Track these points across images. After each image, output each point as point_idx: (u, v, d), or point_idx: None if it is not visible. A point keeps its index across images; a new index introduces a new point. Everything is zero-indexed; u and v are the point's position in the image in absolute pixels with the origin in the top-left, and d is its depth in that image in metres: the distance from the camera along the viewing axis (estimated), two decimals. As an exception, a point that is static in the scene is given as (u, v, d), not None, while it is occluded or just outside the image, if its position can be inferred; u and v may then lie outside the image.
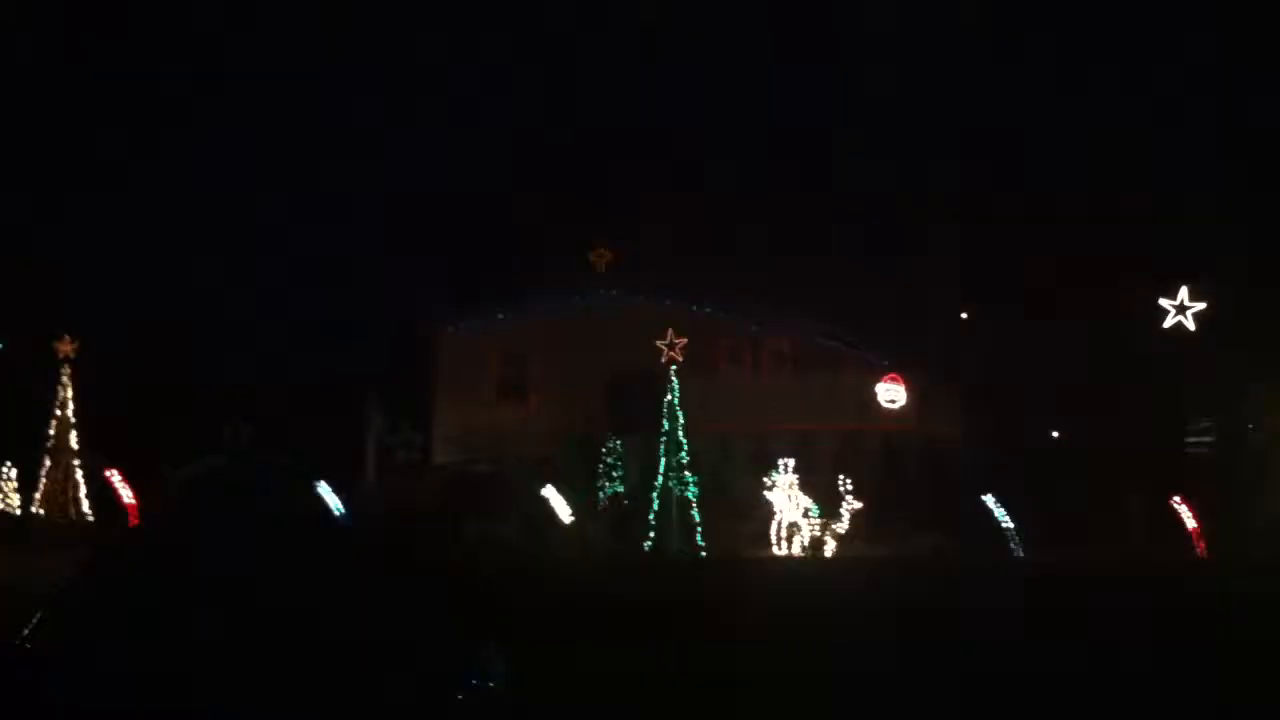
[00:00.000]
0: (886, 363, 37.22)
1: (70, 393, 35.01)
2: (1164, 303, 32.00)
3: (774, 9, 47.64)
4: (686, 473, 31.39)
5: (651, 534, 30.94)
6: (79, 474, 34.73)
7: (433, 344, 40.97)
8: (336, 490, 32.61)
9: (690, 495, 31.21)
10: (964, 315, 42.11)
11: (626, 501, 31.52)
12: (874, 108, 49.47)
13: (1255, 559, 28.53)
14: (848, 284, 40.78)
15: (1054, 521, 32.38)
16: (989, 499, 32.16)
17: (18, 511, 33.71)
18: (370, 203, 47.75)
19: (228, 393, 38.91)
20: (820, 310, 39.62)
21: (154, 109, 48.68)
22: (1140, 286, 33.22)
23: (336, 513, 31.03)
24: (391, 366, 41.04)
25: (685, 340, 32.54)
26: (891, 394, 35.57)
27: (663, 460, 31.38)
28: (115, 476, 33.26)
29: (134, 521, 31.25)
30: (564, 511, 30.89)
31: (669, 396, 32.05)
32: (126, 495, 32.80)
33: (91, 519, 34.14)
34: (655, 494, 31.38)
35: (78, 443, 34.73)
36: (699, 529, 30.84)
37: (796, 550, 30.72)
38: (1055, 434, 41.92)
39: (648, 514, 31.23)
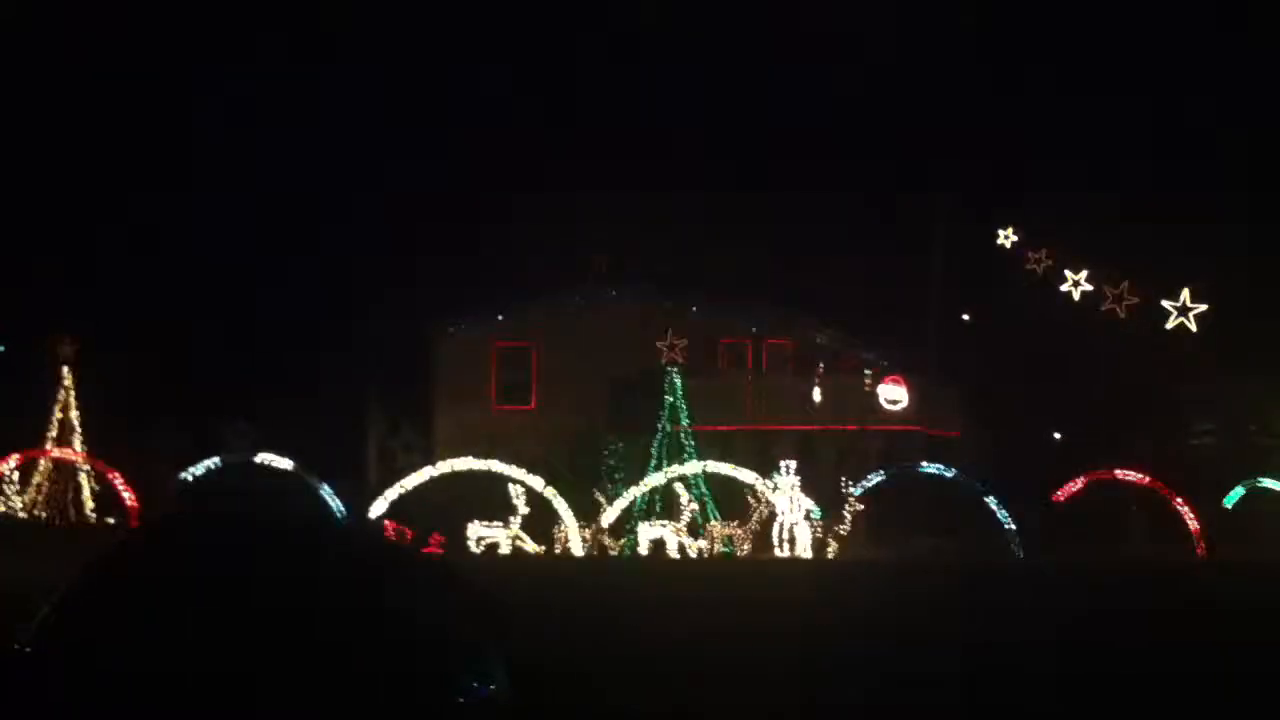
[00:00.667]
0: (887, 363, 37.20)
1: (72, 395, 35.01)
2: (1166, 304, 32.00)
3: (775, 9, 47.56)
4: (689, 472, 31.39)
5: (650, 533, 30.98)
6: (80, 476, 34.74)
7: (433, 345, 40.96)
8: (337, 493, 32.71)
9: (698, 494, 31.24)
10: (965, 316, 42.07)
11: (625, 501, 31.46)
12: (876, 108, 49.35)
13: (1258, 561, 28.58)
14: (849, 284, 40.76)
15: (1055, 522, 32.44)
16: (990, 500, 32.24)
17: (20, 514, 33.70)
18: (371, 203, 47.69)
19: (229, 394, 38.94)
20: (821, 311, 39.63)
21: (153, 110, 48.68)
22: (1143, 286, 33.17)
23: (338, 515, 31.12)
24: (392, 368, 41.06)
25: (685, 341, 32.58)
26: (893, 395, 35.57)
27: (657, 460, 31.50)
28: (117, 479, 33.31)
29: (135, 523, 31.28)
30: (566, 513, 30.89)
31: (669, 397, 32.09)
32: (128, 497, 32.84)
33: (93, 521, 34.14)
34: (650, 495, 31.47)
35: (79, 445, 34.73)
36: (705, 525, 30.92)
37: (799, 552, 30.70)
38: (1057, 435, 41.92)
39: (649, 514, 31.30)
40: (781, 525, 30.90)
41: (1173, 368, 36.20)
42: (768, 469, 31.39)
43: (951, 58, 47.73)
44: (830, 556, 30.51)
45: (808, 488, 31.30)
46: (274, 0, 56.21)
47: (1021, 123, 48.87)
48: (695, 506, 31.08)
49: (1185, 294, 31.89)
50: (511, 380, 40.16)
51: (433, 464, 32.43)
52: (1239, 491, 33.55)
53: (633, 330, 35.40)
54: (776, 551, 30.74)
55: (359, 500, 32.03)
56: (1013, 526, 31.76)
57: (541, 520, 30.98)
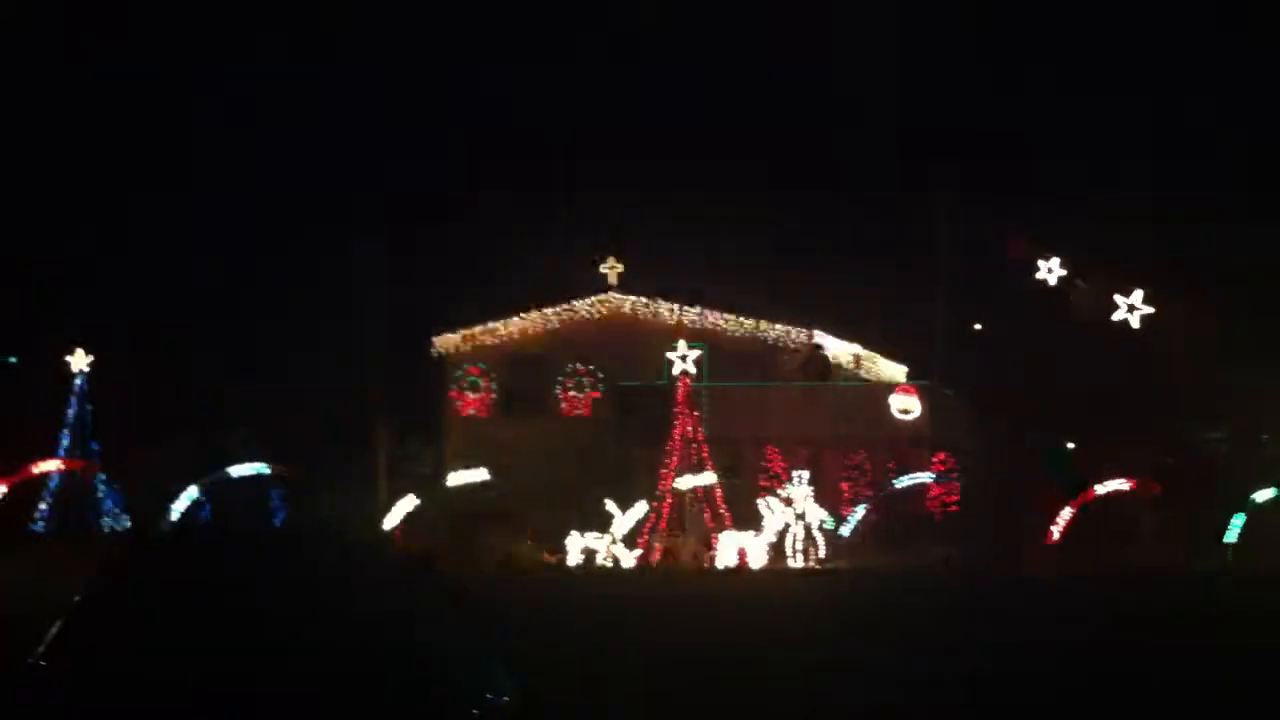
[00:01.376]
0: (901, 373, 37.18)
1: (83, 405, 35.08)
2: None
3: (777, 9, 47.62)
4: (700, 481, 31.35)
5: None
6: (95, 485, 34.79)
7: (443, 358, 40.87)
8: (346, 505, 32.69)
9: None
10: (977, 326, 42.01)
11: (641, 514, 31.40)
12: (882, 109, 49.45)
13: (1271, 566, 28.50)
14: (862, 296, 40.75)
15: (1065, 529, 32.35)
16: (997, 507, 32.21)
17: (39, 524, 33.81)
18: (377, 208, 47.69)
19: (235, 405, 38.93)
20: (834, 321, 39.56)
21: (155, 115, 48.81)
22: (1154, 292, 33.17)
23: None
24: (402, 381, 40.99)
25: (699, 351, 32.50)
26: (905, 405, 35.53)
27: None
28: (127, 489, 33.39)
29: (144, 534, 31.28)
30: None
31: (681, 408, 32.03)
32: (136, 508, 32.90)
33: (105, 531, 34.17)
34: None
35: (91, 455, 34.79)
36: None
37: (811, 562, 30.67)
38: (1070, 445, 41.77)
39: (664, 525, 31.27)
40: (794, 535, 30.87)
41: (1186, 372, 36.16)
42: (780, 480, 31.39)
43: (952, 58, 47.72)
44: (840, 565, 30.46)
45: (820, 498, 31.29)
46: (274, 0, 56.32)
47: (1023, 123, 48.99)
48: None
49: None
50: (521, 393, 40.09)
51: (442, 475, 32.40)
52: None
53: (645, 341, 35.37)
54: (789, 562, 30.69)
55: (370, 511, 32.03)
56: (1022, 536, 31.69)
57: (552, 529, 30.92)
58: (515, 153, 48.14)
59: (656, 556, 30.81)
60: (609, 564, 30.24)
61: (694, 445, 31.86)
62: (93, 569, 6.75)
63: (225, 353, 42.30)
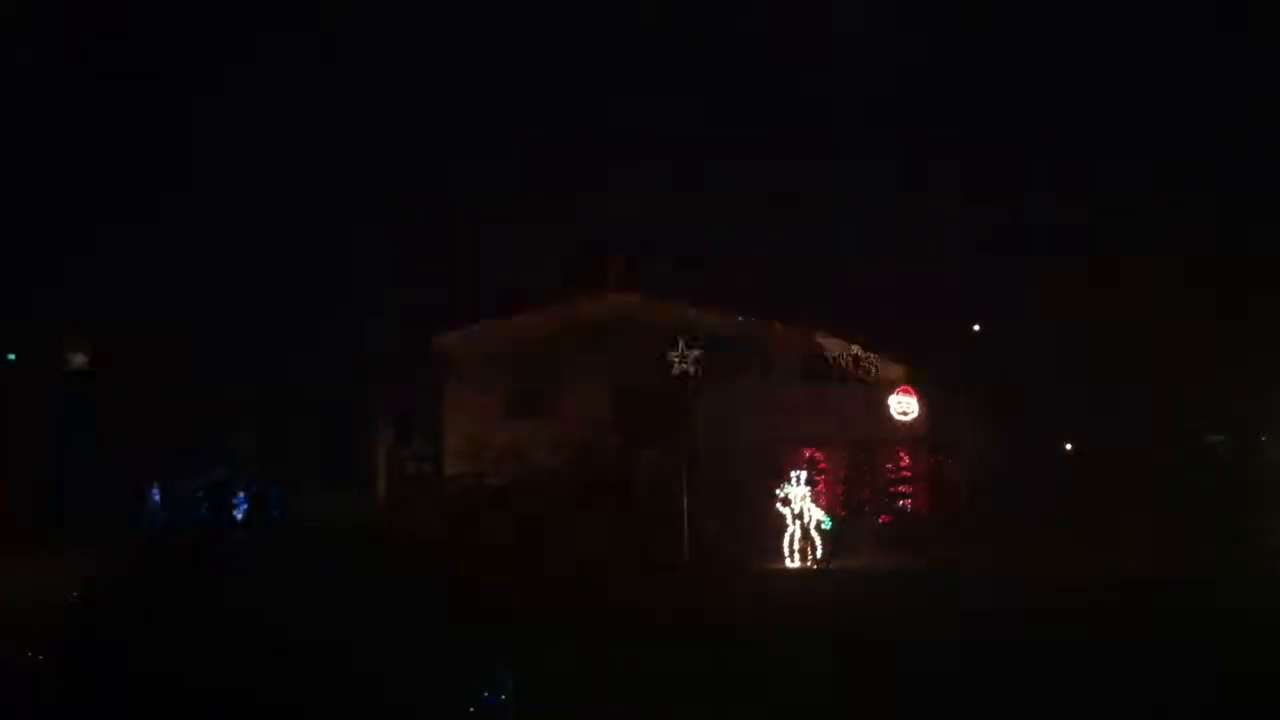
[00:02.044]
0: (900, 374, 37.15)
1: (83, 404, 35.05)
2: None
3: (779, 8, 47.65)
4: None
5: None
6: (90, 484, 34.78)
7: (442, 354, 40.88)
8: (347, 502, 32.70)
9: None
10: (976, 327, 42.04)
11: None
12: (885, 110, 49.43)
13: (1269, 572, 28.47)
14: (861, 294, 40.75)
15: (1064, 531, 32.34)
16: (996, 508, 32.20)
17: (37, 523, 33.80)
18: (376, 207, 47.76)
19: (233, 403, 38.92)
20: (833, 320, 39.59)
21: (156, 113, 48.84)
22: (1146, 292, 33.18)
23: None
24: (401, 377, 40.98)
25: (699, 351, 32.47)
26: (904, 405, 35.51)
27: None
28: (128, 486, 33.37)
29: (144, 532, 31.29)
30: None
31: (683, 408, 32.00)
32: (139, 504, 32.89)
33: (102, 529, 34.14)
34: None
35: (90, 454, 34.78)
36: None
37: (808, 563, 30.63)
38: (1068, 446, 41.82)
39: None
40: (792, 535, 30.85)
41: (1184, 373, 36.17)
42: (779, 480, 31.34)
43: (953, 58, 47.72)
44: (836, 566, 30.44)
45: (818, 498, 31.26)
46: (274, 1, 56.35)
47: (1022, 123, 49.01)
48: None
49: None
50: (522, 391, 40.06)
51: (441, 474, 32.39)
52: None
53: (645, 340, 35.30)
54: (787, 562, 30.68)
55: (369, 510, 32.02)
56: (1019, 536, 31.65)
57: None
58: (515, 153, 48.16)
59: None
60: None
61: (694, 444, 31.83)
62: (90, 567, 6.77)
63: (226, 351, 42.32)
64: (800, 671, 13.41)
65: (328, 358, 41.31)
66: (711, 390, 34.00)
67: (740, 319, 38.84)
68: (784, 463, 32.95)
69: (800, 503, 30.94)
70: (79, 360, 35.15)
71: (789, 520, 30.88)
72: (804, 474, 31.39)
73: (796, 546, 30.79)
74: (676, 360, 32.29)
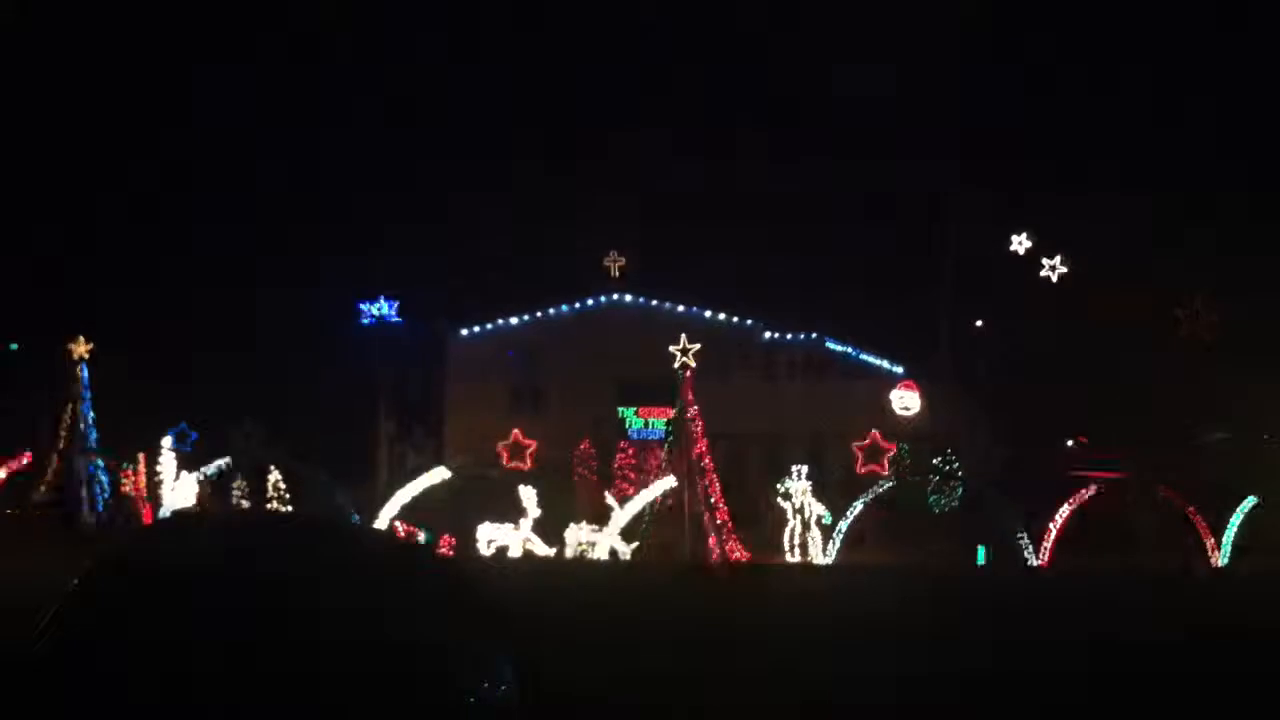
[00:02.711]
0: (900, 369, 37.15)
1: (84, 394, 35.06)
2: (1178, 311, 31.94)
3: (780, 8, 47.66)
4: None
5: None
6: (95, 475, 34.78)
7: (444, 349, 40.94)
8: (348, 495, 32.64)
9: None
10: (978, 323, 42.01)
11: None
12: (885, 111, 49.42)
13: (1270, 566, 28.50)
14: (861, 291, 40.75)
15: (1066, 529, 32.29)
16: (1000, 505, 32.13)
17: (36, 513, 33.82)
18: (378, 205, 47.70)
19: (237, 396, 38.90)
20: (833, 316, 39.60)
21: (157, 111, 48.84)
22: (1156, 293, 33.13)
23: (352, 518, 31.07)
24: (404, 371, 41.01)
25: (699, 345, 32.45)
26: (905, 401, 35.50)
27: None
28: (128, 478, 33.36)
29: (147, 522, 31.30)
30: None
31: (681, 403, 31.97)
32: (138, 497, 32.89)
33: (105, 520, 34.17)
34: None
35: (91, 444, 34.78)
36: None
37: (809, 557, 30.61)
38: (1070, 442, 41.79)
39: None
40: (792, 530, 30.83)
41: (1188, 373, 36.11)
42: (779, 475, 31.33)
43: (952, 58, 47.66)
44: (837, 561, 30.43)
45: (819, 493, 31.24)
46: (273, 4, 56.32)
47: (1022, 124, 48.97)
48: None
49: (1199, 300, 31.78)
50: (522, 385, 40.11)
51: (443, 465, 32.31)
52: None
53: (646, 336, 35.29)
54: (787, 556, 30.66)
55: (369, 501, 31.97)
56: (1025, 534, 31.55)
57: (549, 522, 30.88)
58: (516, 152, 48.14)
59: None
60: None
61: (695, 441, 31.80)
62: (88, 559, 6.74)
63: (227, 349, 42.35)
64: (800, 671, 13.39)
65: (328, 356, 41.33)
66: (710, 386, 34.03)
67: (743, 315, 38.92)
68: (785, 457, 33.01)
69: (801, 497, 30.90)
70: (80, 350, 35.18)
71: (789, 515, 30.84)
72: (804, 468, 31.34)
73: (796, 541, 30.75)
74: (678, 355, 32.30)
